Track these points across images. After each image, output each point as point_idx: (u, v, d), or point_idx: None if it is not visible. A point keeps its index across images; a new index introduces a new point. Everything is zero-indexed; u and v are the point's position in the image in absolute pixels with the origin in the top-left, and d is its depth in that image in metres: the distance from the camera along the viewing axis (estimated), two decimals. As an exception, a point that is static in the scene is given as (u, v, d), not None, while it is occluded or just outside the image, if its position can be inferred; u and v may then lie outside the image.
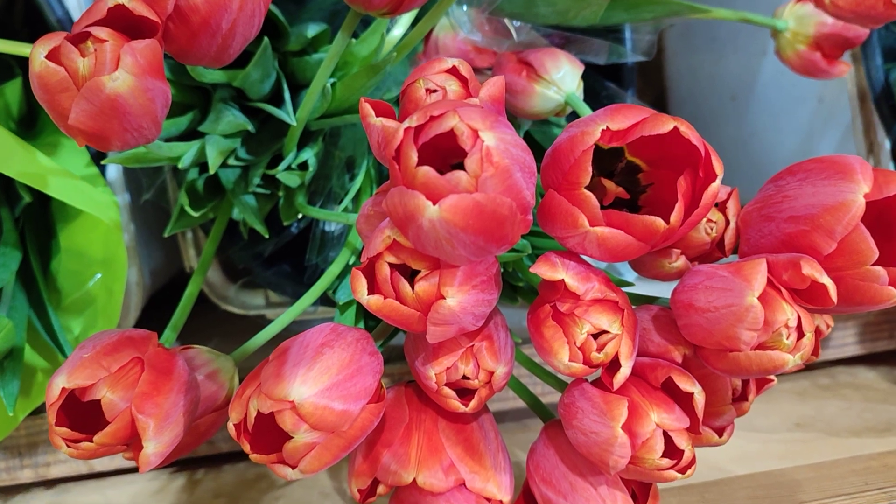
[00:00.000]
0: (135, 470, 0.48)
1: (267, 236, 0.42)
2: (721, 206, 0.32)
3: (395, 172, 0.24)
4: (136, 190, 0.48)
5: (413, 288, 0.27)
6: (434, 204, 0.23)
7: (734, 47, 0.72)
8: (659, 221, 0.26)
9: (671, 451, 0.28)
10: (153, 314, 0.53)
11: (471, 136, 0.23)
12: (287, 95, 0.42)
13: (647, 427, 0.27)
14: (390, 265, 0.27)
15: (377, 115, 0.28)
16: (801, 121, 0.64)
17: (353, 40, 0.41)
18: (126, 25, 0.26)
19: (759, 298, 0.25)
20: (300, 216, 0.49)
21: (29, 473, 0.46)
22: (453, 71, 0.29)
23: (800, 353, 0.26)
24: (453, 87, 0.28)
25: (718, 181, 0.26)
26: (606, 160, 0.31)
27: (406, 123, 0.23)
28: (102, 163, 0.38)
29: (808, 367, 0.55)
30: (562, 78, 0.39)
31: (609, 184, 0.30)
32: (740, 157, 0.71)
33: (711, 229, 0.31)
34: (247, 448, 0.28)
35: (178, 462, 0.48)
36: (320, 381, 0.27)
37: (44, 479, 0.47)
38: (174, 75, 0.42)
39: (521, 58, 0.41)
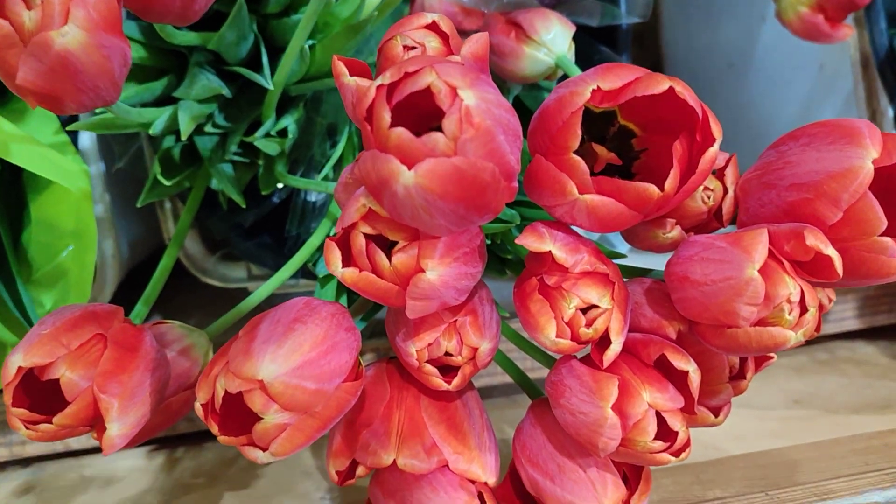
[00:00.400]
0: (113, 448, 0.47)
1: (244, 206, 0.41)
2: (719, 174, 0.30)
3: (368, 135, 0.22)
4: (111, 159, 0.46)
5: (390, 260, 0.25)
6: (409, 169, 0.21)
7: (732, 13, 0.70)
8: (653, 188, 0.24)
9: (664, 432, 0.26)
10: (136, 290, 0.51)
11: (449, 95, 0.21)
12: (265, 59, 0.40)
13: (638, 407, 0.26)
14: (366, 236, 0.25)
15: (351, 75, 0.26)
16: (801, 88, 0.62)
17: (334, 0, 0.39)
18: (78, -24, 0.24)
19: (759, 271, 0.23)
20: (281, 186, 0.48)
21: (3, 452, 0.45)
22: (433, 27, 0.27)
23: (802, 330, 0.24)
24: (433, 43, 0.26)
25: (716, 145, 0.25)
26: (598, 124, 0.29)
27: (378, 81, 0.21)
28: (69, 128, 0.36)
29: (806, 341, 0.53)
30: (552, 39, 0.37)
31: (600, 149, 0.28)
32: (738, 125, 0.69)
33: (709, 198, 0.29)
34: (214, 430, 0.26)
35: (157, 440, 0.47)
36: (291, 359, 0.25)
37: (19, 458, 0.46)
38: (146, 38, 0.40)
39: (510, 18, 0.39)
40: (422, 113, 0.23)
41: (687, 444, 0.26)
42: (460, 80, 0.21)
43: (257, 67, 0.41)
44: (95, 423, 0.27)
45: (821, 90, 0.60)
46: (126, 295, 0.50)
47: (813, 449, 0.38)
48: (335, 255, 0.25)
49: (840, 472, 0.34)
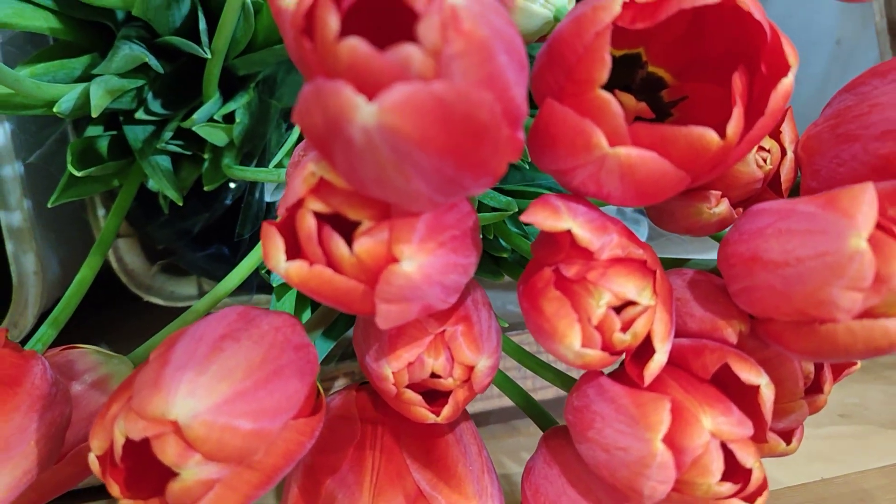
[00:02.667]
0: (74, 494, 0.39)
1: (181, 203, 0.34)
2: (773, 132, 0.24)
3: (309, 59, 0.15)
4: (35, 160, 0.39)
5: (352, 247, 0.18)
6: (370, 101, 0.14)
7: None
8: (711, 134, 0.18)
9: (732, 469, 0.19)
10: (87, 317, 0.43)
11: (425, -10, 0.14)
12: (203, 25, 0.33)
13: (698, 438, 0.19)
14: (317, 216, 0.18)
15: (291, -3, 0.19)
16: (817, 66, 0.56)
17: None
18: None
19: (867, 241, 0.17)
20: (233, 184, 0.41)
21: None
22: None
23: (927, 323, 0.17)
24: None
25: (791, 75, 0.18)
26: (619, 72, 0.22)
27: (321, -24, 0.15)
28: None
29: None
30: (549, -12, 0.31)
31: (626, 97, 0.21)
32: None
33: (765, 161, 0.23)
34: (115, 491, 0.19)
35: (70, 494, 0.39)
36: (217, 390, 0.18)
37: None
38: (60, 6, 0.33)
39: (497, -32, 0.32)
40: (388, 32, 0.16)
41: (764, 486, 0.19)
42: (440, -30, 0.14)
43: (196, 40, 0.34)
44: (-44, 486, 0.20)
45: (839, 66, 0.54)
46: (73, 324, 0.43)
47: (882, 476, 0.31)
48: (276, 245, 0.18)
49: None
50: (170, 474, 0.18)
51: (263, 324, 0.20)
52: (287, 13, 0.18)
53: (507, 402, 0.42)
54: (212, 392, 0.18)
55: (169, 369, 0.18)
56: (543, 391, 0.40)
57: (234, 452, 0.18)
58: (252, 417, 0.18)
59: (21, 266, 0.39)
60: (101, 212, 0.41)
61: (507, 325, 0.30)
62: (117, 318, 0.46)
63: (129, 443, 0.18)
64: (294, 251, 0.19)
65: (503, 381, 0.29)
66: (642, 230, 0.40)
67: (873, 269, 0.17)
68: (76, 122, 0.38)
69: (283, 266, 0.18)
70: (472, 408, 0.43)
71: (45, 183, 0.40)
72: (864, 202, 0.17)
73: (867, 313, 0.17)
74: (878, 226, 0.18)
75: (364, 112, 0.14)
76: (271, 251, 0.18)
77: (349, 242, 0.18)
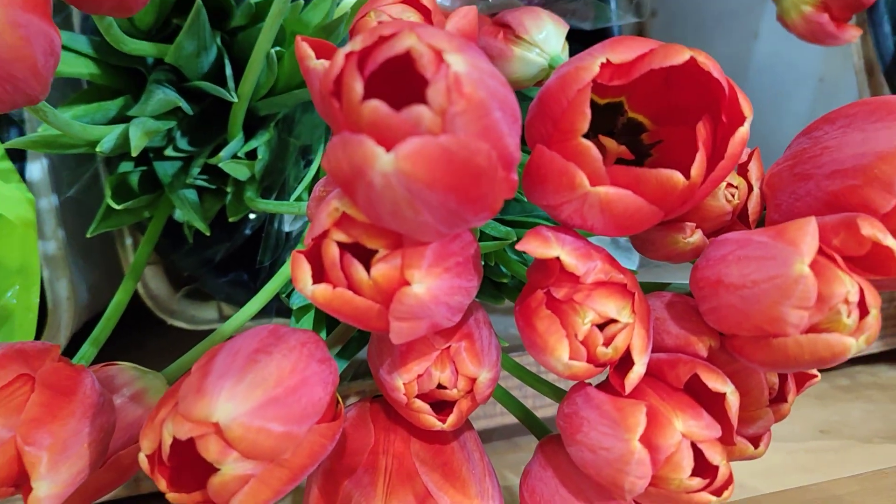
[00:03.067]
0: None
1: (208, 234, 0.37)
2: (741, 170, 0.27)
3: (337, 115, 0.18)
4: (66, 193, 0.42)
5: (369, 272, 0.21)
6: (388, 151, 0.17)
7: (721, 32, 0.68)
8: (677, 176, 0.20)
9: (701, 467, 0.22)
10: (114, 338, 0.46)
11: (433, 60, 0.17)
12: (229, 70, 0.36)
13: (670, 438, 0.21)
14: (340, 245, 0.21)
15: (318, 57, 0.22)
16: (801, 104, 0.59)
17: (302, 2, 0.35)
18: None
19: (809, 267, 0.20)
20: (253, 215, 0.44)
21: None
22: (412, 1, 0.23)
23: (864, 336, 0.20)
24: (412, 19, 0.23)
25: (747, 125, 0.21)
26: (603, 118, 0.25)
27: (348, 48, 0.18)
28: (6, 146, 0.32)
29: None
30: (545, 39, 0.34)
31: (608, 141, 0.24)
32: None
33: (733, 195, 0.26)
34: (162, 486, 0.22)
35: (116, 502, 0.42)
36: (252, 396, 0.21)
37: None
38: (98, 53, 0.36)
39: (498, 19, 0.35)
40: (402, 92, 0.19)
41: (729, 481, 0.22)
42: (446, 43, 0.17)
43: (222, 83, 0.37)
44: (20, 482, 0.23)
45: (823, 103, 0.57)
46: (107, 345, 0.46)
47: (855, 483, 0.33)
48: (304, 271, 0.21)
49: (894, 509, 0.30)
50: (210, 471, 0.21)
51: (291, 340, 0.23)
52: (315, 72, 0.22)
53: (509, 419, 0.45)
54: (248, 398, 0.21)
55: (211, 378, 0.21)
56: (544, 409, 0.42)
57: (266, 451, 0.21)
58: (282, 421, 0.21)
59: (55, 291, 0.42)
60: (128, 241, 0.44)
61: (507, 345, 0.33)
62: (142, 339, 0.48)
63: (174, 443, 0.21)
64: (319, 276, 0.22)
65: (505, 398, 0.31)
66: (634, 257, 0.43)
67: (816, 290, 0.20)
68: (107, 158, 0.41)
69: (310, 288, 0.21)
70: (478, 425, 0.45)
71: (74, 214, 0.43)
72: (808, 233, 0.20)
73: (813, 329, 0.20)
74: (822, 253, 0.21)
75: (383, 160, 0.17)
76: (300, 276, 0.21)
77: (367, 268, 0.21)
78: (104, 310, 0.49)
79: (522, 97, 0.40)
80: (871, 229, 0.20)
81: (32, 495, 0.22)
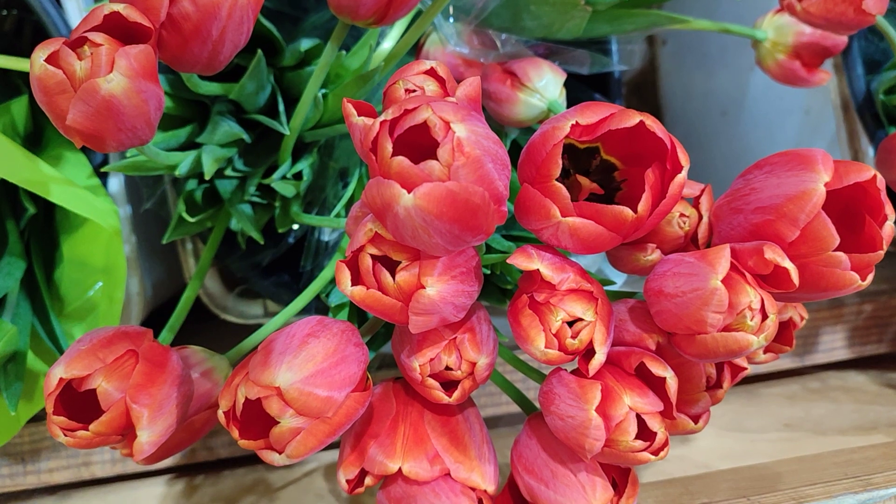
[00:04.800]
0: (136, 476, 0.49)
1: (262, 243, 0.44)
2: (695, 202, 0.33)
3: (373, 164, 0.25)
4: (137, 203, 0.49)
5: (394, 278, 0.28)
6: (409, 192, 0.24)
7: (724, 63, 0.74)
8: (627, 210, 0.27)
9: (645, 433, 0.28)
10: (158, 330, 0.54)
11: (443, 128, 0.24)
12: (281, 107, 0.44)
13: (620, 409, 0.28)
14: (373, 257, 0.28)
15: (359, 115, 0.29)
16: (789, 133, 0.65)
17: (344, 53, 0.42)
18: (121, 32, 0.27)
19: (722, 282, 0.26)
20: (296, 226, 0.51)
21: (32, 479, 0.48)
22: (431, 72, 0.30)
23: (764, 335, 0.27)
24: (431, 87, 0.30)
25: (684, 172, 0.28)
26: (583, 159, 0.32)
27: (382, 117, 0.25)
28: (103, 170, 0.39)
29: (799, 371, 0.55)
30: (544, 86, 0.41)
31: (583, 180, 0.31)
32: (732, 171, 0.72)
33: (685, 223, 0.32)
34: (235, 434, 0.29)
35: (178, 468, 0.49)
36: (305, 368, 0.28)
37: (46, 486, 0.48)
38: (173, 89, 0.44)
39: (506, 68, 0.42)
40: (420, 146, 0.26)
41: (665, 444, 0.29)
42: (453, 115, 0.24)
43: (274, 115, 0.44)
44: (126, 432, 0.30)
45: (808, 133, 0.63)
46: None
47: (797, 462, 0.40)
48: (345, 275, 0.28)
49: (818, 480, 0.36)
50: (270, 425, 0.28)
51: (334, 327, 0.30)
52: (356, 126, 0.29)
53: (513, 408, 0.51)
54: (302, 369, 0.28)
55: (273, 355, 0.28)
56: (536, 392, 0.49)
57: (314, 410, 0.28)
58: (326, 388, 0.28)
59: (128, 288, 0.49)
60: (189, 246, 0.51)
61: (507, 339, 0.40)
62: (198, 329, 0.56)
63: (245, 403, 0.28)
64: (356, 279, 0.29)
65: (503, 383, 0.38)
66: (620, 276, 0.50)
67: (727, 299, 0.26)
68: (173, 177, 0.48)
69: (349, 289, 0.28)
70: (486, 412, 0.52)
71: (141, 221, 0.51)
72: (723, 257, 0.27)
73: (726, 328, 0.27)
74: (736, 270, 0.27)
75: (405, 199, 0.24)
76: (342, 279, 0.28)
77: (393, 275, 0.28)
78: (163, 304, 0.57)
79: (527, 131, 0.47)
80: (772, 254, 0.27)
81: (137, 441, 0.29)
